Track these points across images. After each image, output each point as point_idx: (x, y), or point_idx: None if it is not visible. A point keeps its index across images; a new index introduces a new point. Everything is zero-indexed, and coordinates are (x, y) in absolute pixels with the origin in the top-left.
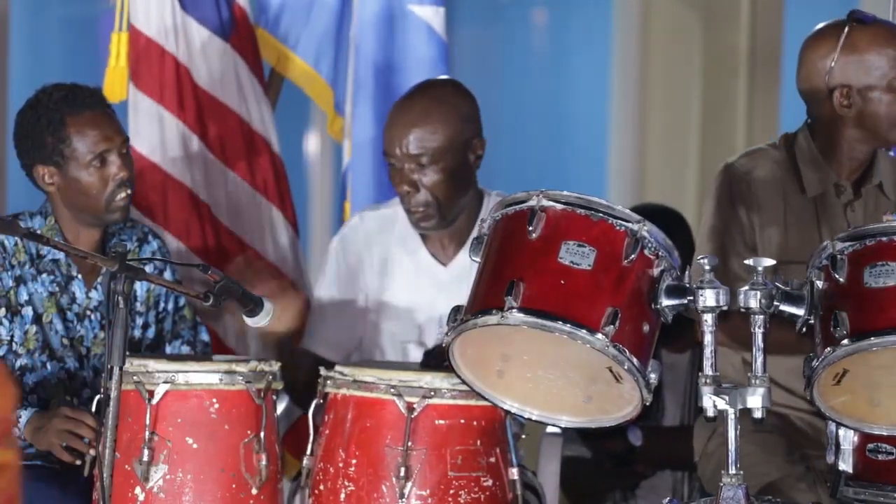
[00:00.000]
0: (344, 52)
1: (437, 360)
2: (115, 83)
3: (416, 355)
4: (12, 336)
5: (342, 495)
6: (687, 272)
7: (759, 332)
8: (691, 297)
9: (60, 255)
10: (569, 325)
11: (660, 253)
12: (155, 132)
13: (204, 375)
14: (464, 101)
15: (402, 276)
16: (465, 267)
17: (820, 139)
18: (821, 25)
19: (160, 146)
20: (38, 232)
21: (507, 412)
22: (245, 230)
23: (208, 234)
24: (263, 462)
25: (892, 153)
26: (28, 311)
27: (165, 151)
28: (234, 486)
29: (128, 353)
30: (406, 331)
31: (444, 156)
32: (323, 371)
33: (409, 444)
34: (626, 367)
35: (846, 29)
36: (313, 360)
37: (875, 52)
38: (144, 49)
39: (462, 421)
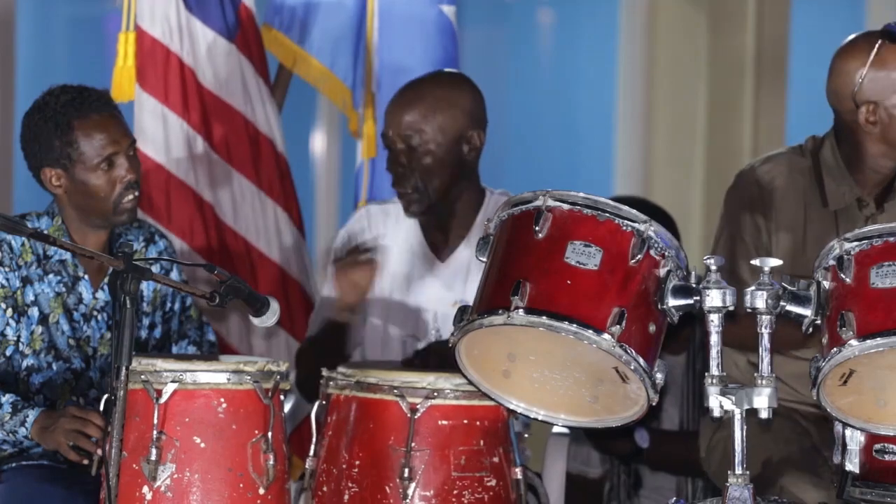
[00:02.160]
0: (362, 52)
1: (424, 359)
2: (123, 83)
3: (414, 349)
4: (19, 336)
5: (346, 496)
6: (693, 273)
7: (765, 333)
8: (697, 298)
9: (67, 256)
10: (575, 326)
11: (666, 253)
12: (159, 133)
13: (212, 375)
14: (466, 94)
15: (401, 270)
16: (462, 263)
17: (845, 149)
18: (853, 36)
19: (164, 147)
20: (45, 232)
21: (513, 412)
22: (250, 231)
23: (212, 235)
24: (271, 462)
25: None
26: (34, 312)
27: (170, 152)
28: (241, 485)
29: (134, 352)
30: (404, 326)
31: (434, 141)
32: (325, 372)
33: (413, 444)
34: (632, 368)
35: (878, 44)
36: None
37: None
38: (150, 50)
39: (465, 421)
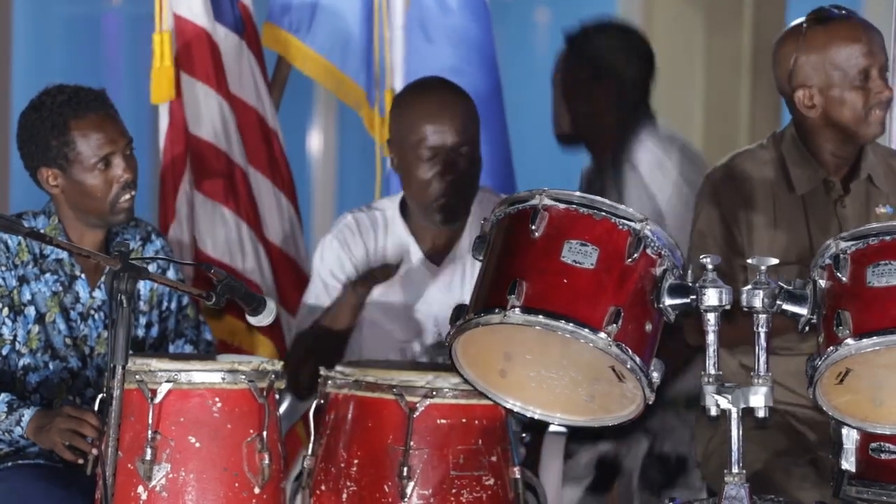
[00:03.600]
0: (380, 51)
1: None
2: (163, 83)
3: (412, 355)
4: (15, 335)
5: (344, 495)
6: (689, 273)
7: (762, 332)
8: (694, 297)
9: (64, 255)
10: (571, 325)
11: (662, 252)
12: (216, 117)
13: (206, 374)
14: (470, 100)
15: (397, 276)
16: (457, 265)
17: (805, 136)
18: (790, 25)
19: (223, 132)
20: (42, 232)
21: (509, 411)
22: (268, 228)
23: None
24: (266, 461)
25: None
26: (31, 311)
27: (228, 137)
28: (236, 485)
29: (131, 352)
30: (402, 330)
31: (475, 145)
32: (323, 371)
33: (411, 443)
34: (628, 367)
35: (804, 28)
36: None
37: (833, 52)
38: (195, 37)
39: (463, 420)
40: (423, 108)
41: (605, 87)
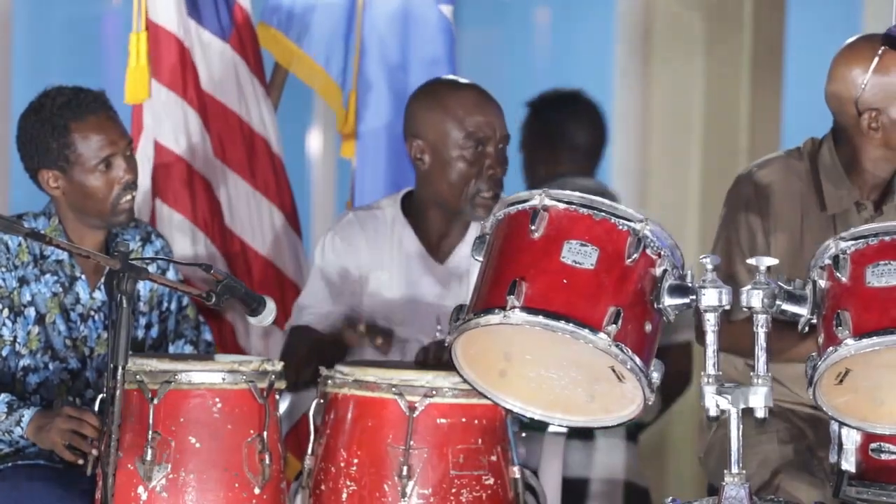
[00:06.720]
0: (352, 52)
1: (432, 357)
2: (137, 83)
3: (414, 353)
4: (15, 336)
5: (344, 495)
6: (689, 272)
7: (761, 332)
8: (694, 297)
9: (64, 256)
10: (571, 325)
11: (662, 252)
12: (180, 126)
13: (207, 375)
14: None
15: (399, 273)
16: (460, 263)
17: (844, 152)
18: (854, 39)
19: (186, 140)
20: (42, 233)
21: (509, 411)
22: (245, 231)
23: (226, 233)
24: (266, 461)
25: None
26: (31, 312)
27: (191, 145)
28: (236, 485)
29: (130, 352)
30: (404, 329)
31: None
32: (323, 371)
33: (411, 443)
34: (628, 367)
35: (880, 52)
36: (311, 339)
37: None
38: (165, 43)
39: (463, 420)
40: (467, 101)
41: (560, 153)
